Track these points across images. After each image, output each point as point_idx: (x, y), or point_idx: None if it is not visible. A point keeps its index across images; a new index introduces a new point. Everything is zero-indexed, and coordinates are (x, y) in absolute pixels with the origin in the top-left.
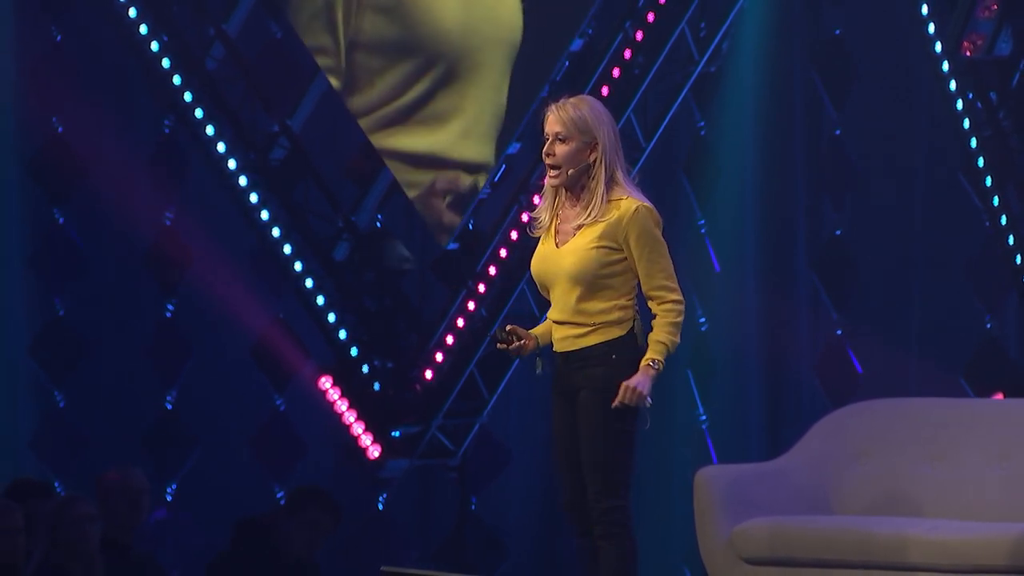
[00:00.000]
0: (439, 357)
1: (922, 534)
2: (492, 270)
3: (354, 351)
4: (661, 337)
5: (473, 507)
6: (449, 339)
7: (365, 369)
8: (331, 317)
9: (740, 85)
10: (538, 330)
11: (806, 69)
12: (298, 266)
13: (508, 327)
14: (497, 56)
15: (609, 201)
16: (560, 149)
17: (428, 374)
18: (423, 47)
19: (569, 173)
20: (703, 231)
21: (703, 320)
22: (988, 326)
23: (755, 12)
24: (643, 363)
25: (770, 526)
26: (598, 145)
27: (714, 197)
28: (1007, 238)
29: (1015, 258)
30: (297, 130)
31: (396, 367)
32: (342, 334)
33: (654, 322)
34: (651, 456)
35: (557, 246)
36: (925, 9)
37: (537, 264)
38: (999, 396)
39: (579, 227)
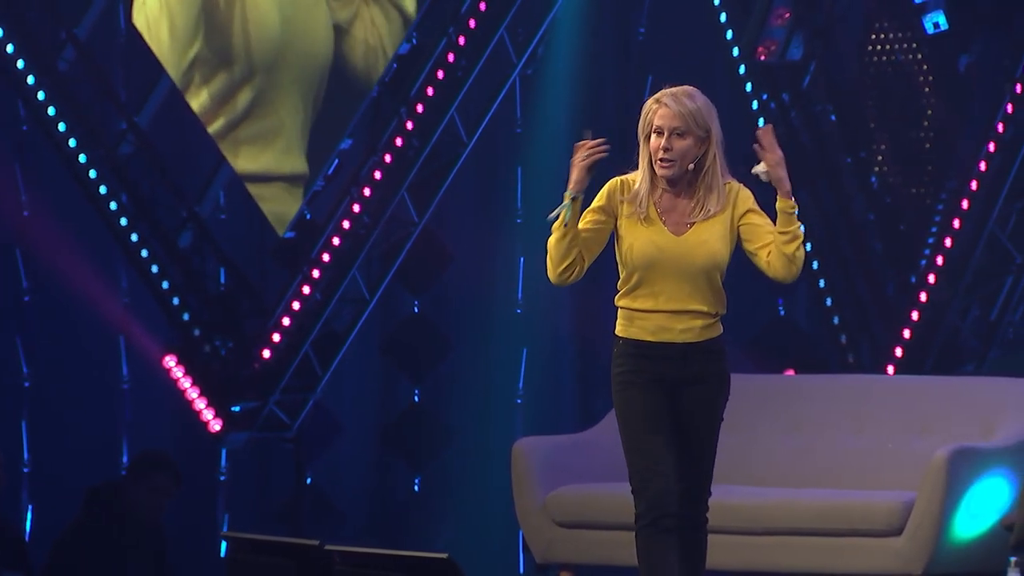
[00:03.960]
0: (276, 337)
1: (721, 499)
2: (326, 257)
3: (196, 332)
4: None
5: (308, 476)
6: (286, 321)
7: (207, 349)
8: (175, 300)
9: (555, 86)
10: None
11: (614, 71)
12: (144, 253)
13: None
14: (310, 71)
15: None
16: (678, 144)
17: (266, 353)
18: (240, 59)
19: (686, 167)
20: (519, 221)
21: (521, 300)
22: (780, 311)
23: (567, 19)
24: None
25: (581, 493)
26: (711, 138)
27: (531, 191)
28: (798, 227)
29: (805, 245)
30: (144, 126)
31: (236, 347)
32: (185, 316)
33: None
34: (475, 428)
35: (675, 235)
36: (724, 16)
37: (653, 252)
38: (790, 372)
39: (694, 222)
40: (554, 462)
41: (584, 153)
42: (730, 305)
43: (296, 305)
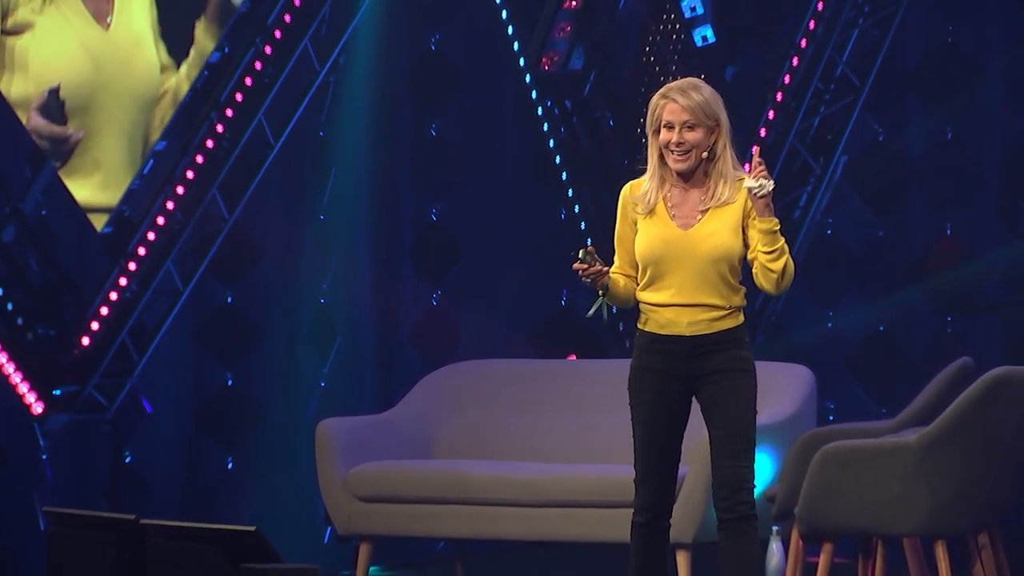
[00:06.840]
0: (95, 326)
1: (509, 475)
2: (141, 250)
3: (20, 321)
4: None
5: (127, 455)
6: (104, 310)
7: (30, 336)
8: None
9: (355, 92)
10: (612, 276)
11: (410, 79)
12: None
13: (591, 248)
14: (132, 110)
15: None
16: (690, 136)
17: (85, 340)
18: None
19: (700, 156)
20: (322, 218)
21: (325, 290)
22: (563, 301)
23: (367, 31)
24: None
25: (380, 469)
26: (720, 127)
27: (333, 190)
28: (580, 224)
29: (587, 241)
30: None
31: (58, 334)
32: (9, 306)
33: None
34: (283, 410)
35: (683, 229)
36: (511, 29)
37: (659, 247)
38: (572, 357)
39: (706, 209)
40: (355, 441)
41: (588, 277)
42: (516, 296)
43: (113, 295)
